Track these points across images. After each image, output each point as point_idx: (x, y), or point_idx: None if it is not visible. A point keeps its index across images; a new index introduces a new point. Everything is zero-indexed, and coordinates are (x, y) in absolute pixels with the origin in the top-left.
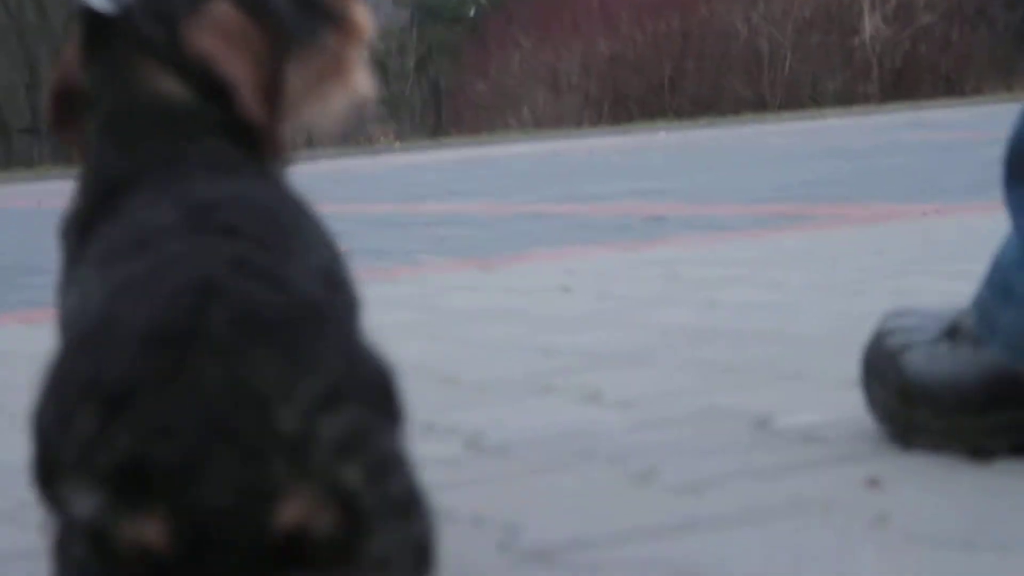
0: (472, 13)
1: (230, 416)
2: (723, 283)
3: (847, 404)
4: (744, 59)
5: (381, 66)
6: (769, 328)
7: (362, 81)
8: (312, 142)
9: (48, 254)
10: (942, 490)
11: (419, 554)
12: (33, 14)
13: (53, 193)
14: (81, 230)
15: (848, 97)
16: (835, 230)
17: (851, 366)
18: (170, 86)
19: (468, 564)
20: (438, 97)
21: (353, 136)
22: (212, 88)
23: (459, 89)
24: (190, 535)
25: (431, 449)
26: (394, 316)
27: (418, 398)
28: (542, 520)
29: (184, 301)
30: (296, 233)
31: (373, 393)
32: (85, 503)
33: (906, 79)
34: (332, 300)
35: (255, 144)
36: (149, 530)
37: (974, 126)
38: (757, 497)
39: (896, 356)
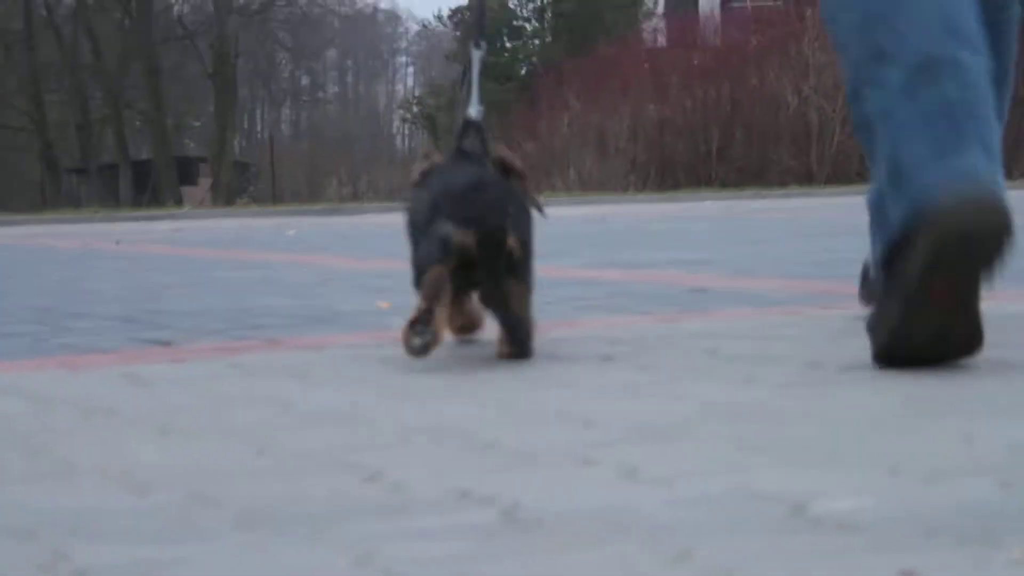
0: (523, 72)
1: (496, 201)
2: (762, 360)
3: (883, 490)
4: (793, 130)
5: (430, 121)
6: (806, 408)
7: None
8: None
9: (92, 298)
10: None
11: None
12: (87, 54)
13: (99, 235)
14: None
15: None
16: None
17: (889, 450)
18: (489, 169)
19: None
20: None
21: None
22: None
23: (507, 147)
24: (483, 242)
25: (465, 517)
26: (432, 380)
27: (455, 463)
28: None
29: (475, 177)
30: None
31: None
32: (444, 229)
33: None
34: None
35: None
36: (468, 239)
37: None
38: None
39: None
